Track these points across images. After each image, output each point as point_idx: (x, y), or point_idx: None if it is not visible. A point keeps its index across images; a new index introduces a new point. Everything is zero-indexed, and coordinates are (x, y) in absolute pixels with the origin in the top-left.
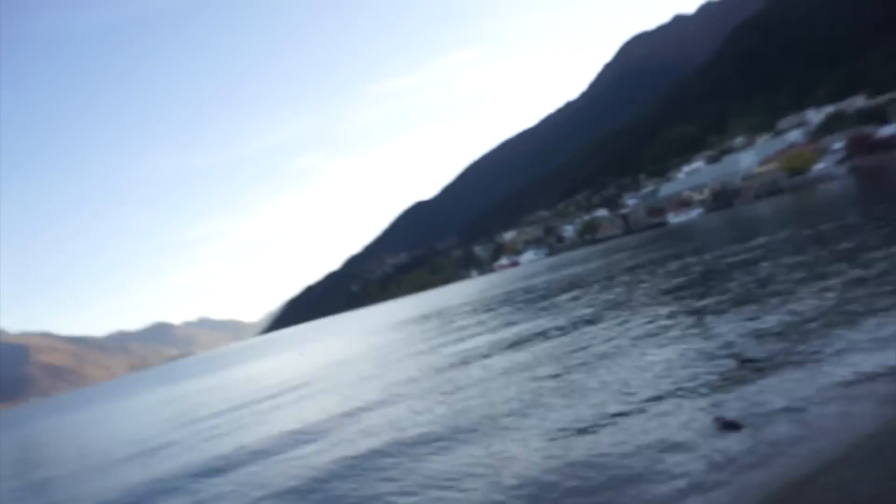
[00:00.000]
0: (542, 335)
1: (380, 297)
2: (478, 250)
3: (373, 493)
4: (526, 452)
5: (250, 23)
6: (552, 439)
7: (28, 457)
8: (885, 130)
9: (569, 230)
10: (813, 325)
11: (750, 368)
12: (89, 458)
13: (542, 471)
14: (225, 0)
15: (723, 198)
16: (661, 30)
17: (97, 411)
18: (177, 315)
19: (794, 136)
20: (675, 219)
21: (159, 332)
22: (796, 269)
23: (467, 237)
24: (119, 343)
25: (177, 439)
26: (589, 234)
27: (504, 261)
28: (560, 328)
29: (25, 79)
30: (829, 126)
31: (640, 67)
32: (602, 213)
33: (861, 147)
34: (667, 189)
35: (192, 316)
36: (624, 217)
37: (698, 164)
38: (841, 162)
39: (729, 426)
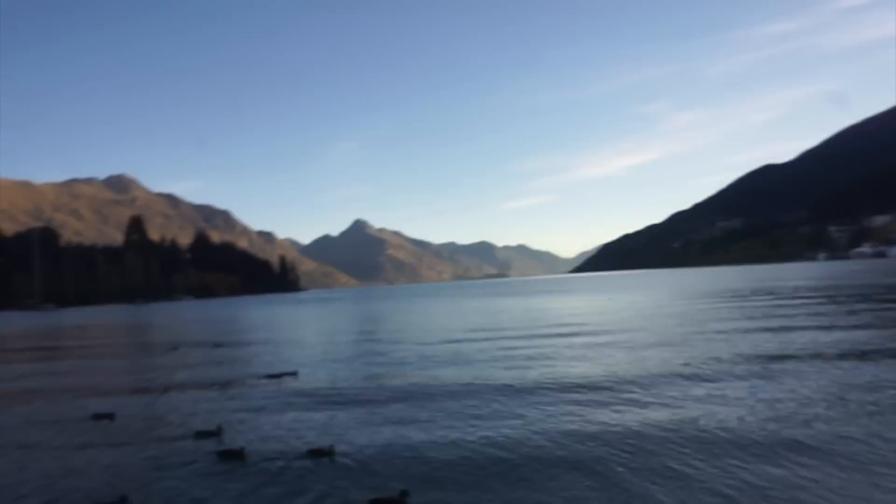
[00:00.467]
0: None
1: (701, 260)
2: (832, 231)
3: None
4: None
5: None
6: None
7: (409, 320)
8: None
9: None
10: None
11: None
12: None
13: None
14: None
15: None
16: None
17: (437, 303)
18: (500, 238)
19: None
20: None
21: (483, 251)
22: None
23: (821, 214)
24: (449, 252)
25: (484, 350)
26: None
27: (866, 248)
28: None
29: None
30: None
31: None
32: None
33: None
34: None
35: (513, 241)
36: None
37: None
38: None
39: None
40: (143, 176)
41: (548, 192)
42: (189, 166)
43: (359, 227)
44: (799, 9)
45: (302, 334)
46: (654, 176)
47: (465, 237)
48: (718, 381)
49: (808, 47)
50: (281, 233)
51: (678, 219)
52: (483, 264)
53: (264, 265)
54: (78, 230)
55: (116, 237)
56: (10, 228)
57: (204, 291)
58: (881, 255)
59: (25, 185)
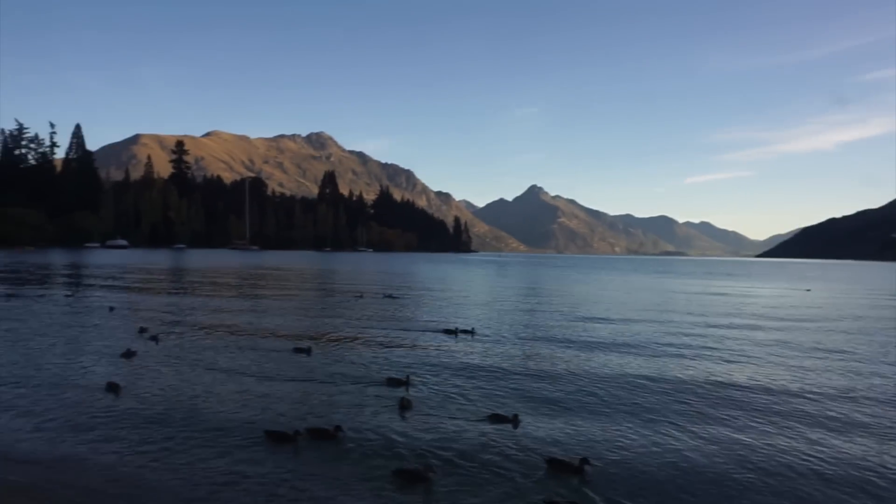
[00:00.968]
0: None
1: None
2: None
3: None
4: None
5: None
6: None
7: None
8: None
9: None
10: None
11: None
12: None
13: None
14: None
15: None
16: None
17: (624, 277)
18: (681, 213)
19: None
20: None
21: (661, 225)
22: None
23: None
24: (624, 225)
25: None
26: None
27: None
28: None
29: None
30: None
31: None
32: None
33: None
34: None
35: (695, 218)
36: None
37: None
38: None
39: None
40: (338, 134)
41: (740, 167)
42: (379, 126)
43: (533, 193)
44: None
45: (475, 294)
46: (874, 154)
47: (642, 210)
48: None
49: None
50: (457, 194)
51: None
52: (660, 240)
53: (440, 225)
54: (281, 181)
55: (312, 189)
56: (228, 177)
57: (383, 245)
58: None
59: (243, 139)
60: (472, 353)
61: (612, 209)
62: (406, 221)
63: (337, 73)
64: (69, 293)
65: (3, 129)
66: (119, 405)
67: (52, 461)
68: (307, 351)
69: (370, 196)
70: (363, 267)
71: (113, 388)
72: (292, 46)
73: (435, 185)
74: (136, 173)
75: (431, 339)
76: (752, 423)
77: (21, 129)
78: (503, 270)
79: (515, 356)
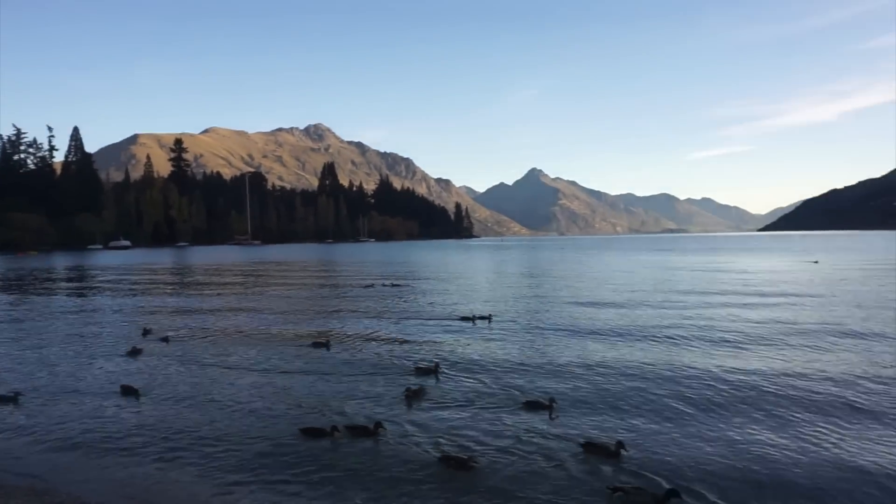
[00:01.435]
0: None
1: None
2: None
3: None
4: None
5: None
6: None
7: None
8: None
9: None
10: None
11: None
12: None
13: None
14: None
15: None
16: None
17: (621, 258)
18: (682, 190)
19: None
20: None
21: (663, 203)
22: None
23: None
24: (626, 204)
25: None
26: None
27: None
28: None
29: None
30: None
31: None
32: None
33: None
34: None
35: (696, 194)
36: None
37: None
38: None
39: None
40: (336, 125)
41: (742, 141)
42: (376, 116)
43: (533, 176)
44: None
45: (482, 280)
46: (876, 123)
47: (643, 188)
48: None
49: None
50: (457, 180)
51: None
52: (661, 218)
53: (441, 211)
54: (280, 174)
55: (312, 182)
56: (227, 173)
57: (385, 234)
58: None
59: (241, 134)
60: (492, 339)
61: (613, 189)
62: (407, 210)
63: (333, 63)
64: (76, 296)
65: (1, 135)
66: (141, 409)
67: (69, 469)
68: (326, 345)
69: (370, 186)
70: (367, 257)
71: (130, 391)
72: (286, 39)
73: (434, 172)
74: (136, 173)
75: (449, 327)
76: (789, 413)
77: (19, 133)
78: (503, 254)
79: (536, 342)
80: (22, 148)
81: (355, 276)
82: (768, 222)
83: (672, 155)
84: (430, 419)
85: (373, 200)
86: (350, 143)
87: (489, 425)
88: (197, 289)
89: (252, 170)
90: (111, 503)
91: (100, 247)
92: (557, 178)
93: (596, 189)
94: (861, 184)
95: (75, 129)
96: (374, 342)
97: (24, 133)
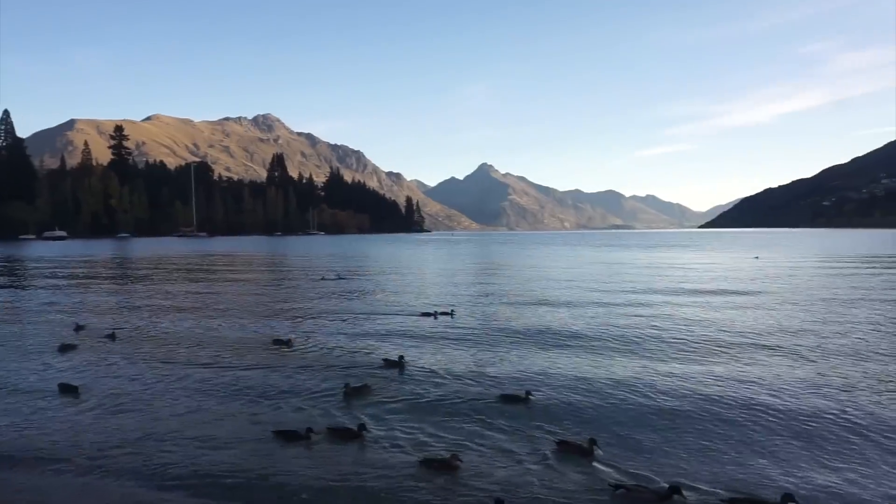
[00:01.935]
0: None
1: (855, 222)
2: None
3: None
4: None
5: None
6: None
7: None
8: None
9: None
10: None
11: None
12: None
13: None
14: None
15: None
16: None
17: (567, 252)
18: (628, 188)
19: None
20: None
21: (609, 200)
22: None
23: None
24: (574, 200)
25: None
26: None
27: None
28: None
29: None
30: None
31: None
32: None
33: None
34: None
35: (641, 192)
36: None
37: None
38: None
39: None
40: (286, 116)
41: (685, 141)
42: (327, 108)
43: (484, 170)
44: None
45: (438, 274)
46: (809, 125)
47: (591, 185)
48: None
49: None
50: (409, 174)
51: (832, 174)
52: (608, 214)
53: (392, 205)
54: (228, 165)
55: (260, 173)
56: (171, 162)
57: (335, 228)
58: None
59: (186, 123)
60: (456, 334)
61: (562, 185)
62: (358, 203)
63: (283, 52)
64: (3, 289)
65: None
66: (82, 406)
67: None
68: (287, 342)
69: (320, 178)
70: (318, 250)
71: (68, 389)
72: (235, 26)
73: (385, 166)
74: (73, 160)
75: (411, 323)
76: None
77: None
78: (455, 249)
79: (498, 336)
80: None
81: (308, 269)
82: (708, 219)
83: (618, 152)
84: (403, 417)
85: (323, 193)
86: (300, 134)
87: (466, 422)
88: (141, 282)
89: (198, 159)
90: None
91: (32, 237)
92: (507, 174)
93: (545, 185)
94: (793, 183)
95: (6, 113)
96: (337, 338)
97: None
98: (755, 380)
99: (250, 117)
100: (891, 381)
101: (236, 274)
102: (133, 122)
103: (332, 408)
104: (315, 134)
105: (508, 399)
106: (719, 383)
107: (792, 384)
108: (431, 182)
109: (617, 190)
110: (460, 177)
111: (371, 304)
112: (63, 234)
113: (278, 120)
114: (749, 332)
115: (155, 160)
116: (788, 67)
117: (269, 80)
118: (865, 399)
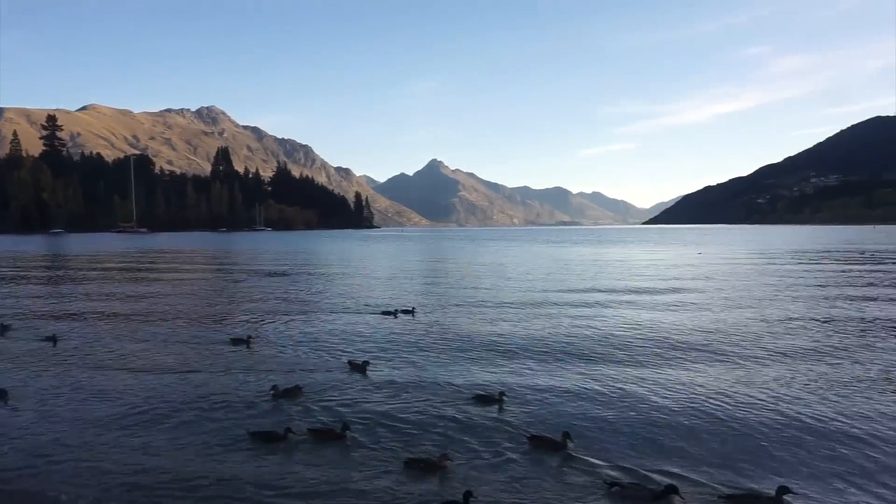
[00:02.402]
0: None
1: (787, 218)
2: None
3: None
4: None
5: None
6: None
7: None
8: None
9: None
10: None
11: None
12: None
13: None
14: None
15: None
16: None
17: (510, 248)
18: (575, 185)
19: None
20: None
21: (556, 196)
22: None
23: None
24: (522, 197)
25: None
26: None
27: None
28: None
29: None
30: None
31: None
32: None
33: None
34: None
35: (588, 189)
36: None
37: None
38: None
39: None
40: (231, 108)
41: (629, 140)
42: (274, 101)
43: (434, 167)
44: None
45: (392, 271)
46: (746, 126)
47: (539, 182)
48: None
49: None
50: (358, 170)
51: (766, 173)
52: (555, 211)
53: (341, 201)
54: (170, 158)
55: (204, 167)
56: (110, 155)
57: (283, 224)
58: None
59: (125, 114)
60: (419, 333)
61: (511, 181)
62: (306, 198)
63: (228, 43)
64: None
65: None
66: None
67: None
68: (246, 341)
69: (267, 173)
70: (265, 247)
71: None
72: (178, 15)
73: (334, 161)
74: (1, 151)
75: (372, 322)
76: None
77: None
78: (407, 245)
79: (462, 334)
80: None
81: (257, 266)
82: (652, 216)
83: (565, 151)
84: (379, 418)
85: (270, 188)
86: (246, 127)
87: (441, 422)
88: (77, 281)
89: (138, 152)
90: None
91: None
92: (457, 170)
93: (494, 181)
94: (731, 181)
95: None
96: (297, 337)
97: None
98: (730, 379)
99: (194, 109)
100: (836, 375)
101: (182, 272)
102: (67, 112)
103: (292, 410)
104: (261, 128)
105: (482, 399)
106: (684, 380)
107: (738, 378)
108: (381, 178)
109: (564, 187)
110: (410, 173)
111: (329, 303)
112: None
113: (223, 112)
114: (702, 328)
115: (91, 152)
116: (727, 70)
117: (213, 71)
118: (802, 390)
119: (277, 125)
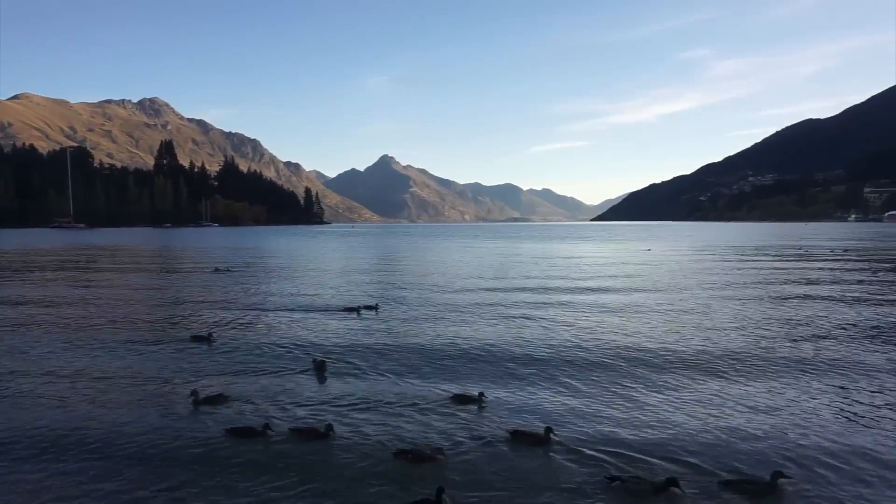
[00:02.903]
0: None
1: (727, 216)
2: (868, 192)
3: None
4: None
5: None
6: None
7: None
8: None
9: None
10: None
11: None
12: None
13: None
14: None
15: None
16: None
17: (468, 245)
18: (525, 181)
19: None
20: None
21: (507, 193)
22: None
23: (858, 174)
24: (473, 193)
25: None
26: None
27: None
28: None
29: None
30: None
31: None
32: None
33: None
34: None
35: (538, 185)
36: None
37: None
38: None
39: None
40: (175, 100)
41: (578, 137)
42: (221, 94)
43: (385, 162)
44: None
45: (344, 268)
46: (689, 126)
47: (490, 178)
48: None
49: None
50: (308, 165)
51: (708, 171)
52: (506, 207)
53: (290, 196)
54: (110, 151)
55: (147, 160)
56: (44, 147)
57: (230, 219)
58: None
59: (61, 104)
60: (384, 330)
61: (462, 178)
62: (254, 194)
63: (174, 33)
64: None
65: None
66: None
67: None
68: (208, 339)
69: (214, 167)
70: (214, 243)
71: None
72: (119, 2)
73: (284, 156)
74: None
75: (334, 319)
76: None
77: None
78: (359, 241)
79: (428, 330)
80: None
81: (207, 262)
82: (600, 212)
83: (517, 148)
84: (362, 418)
85: (216, 183)
86: (191, 120)
87: (421, 423)
88: (11, 279)
89: (75, 144)
90: None
91: None
92: (409, 166)
93: (445, 178)
94: (675, 179)
95: None
96: (259, 335)
97: None
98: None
99: (136, 100)
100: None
101: (126, 271)
102: None
103: (267, 406)
104: (208, 121)
105: (461, 399)
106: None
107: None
108: (332, 173)
109: (515, 184)
110: (361, 168)
111: (289, 300)
112: None
113: (167, 104)
114: (660, 322)
115: (24, 143)
116: (670, 72)
117: (156, 61)
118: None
119: (225, 118)
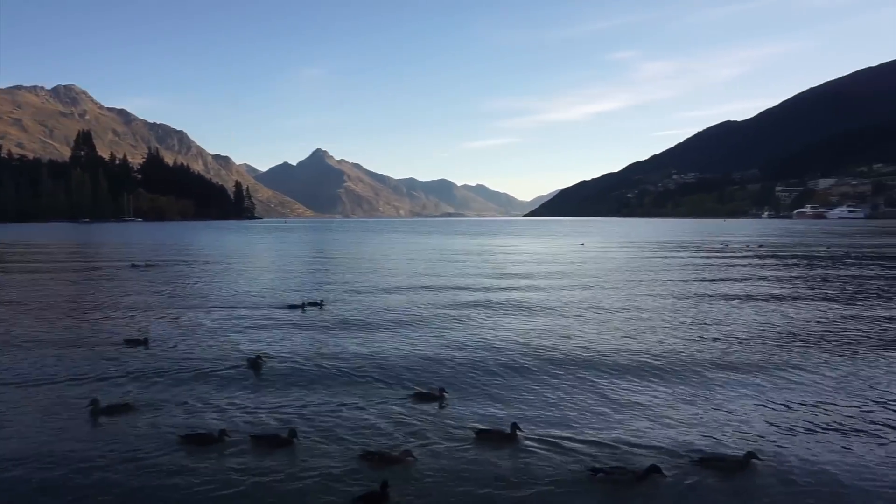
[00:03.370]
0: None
1: (653, 212)
2: (779, 190)
3: None
4: None
5: None
6: None
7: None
8: None
9: None
10: None
11: None
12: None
13: None
14: None
15: None
16: None
17: (403, 238)
18: (459, 177)
19: None
20: None
21: (441, 188)
22: None
23: (771, 173)
24: (408, 188)
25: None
26: None
27: (807, 209)
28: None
29: None
30: None
31: None
32: None
33: None
34: None
35: (472, 181)
36: None
37: None
38: None
39: None
40: (94, 88)
41: (510, 134)
42: (145, 82)
43: (318, 157)
44: None
45: (282, 263)
46: (617, 125)
47: (424, 174)
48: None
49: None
50: (238, 158)
51: (635, 169)
52: (441, 202)
53: (219, 190)
54: (20, 141)
55: (63, 152)
56: None
57: (154, 214)
58: (821, 216)
59: None
60: (330, 327)
61: (396, 173)
62: (180, 187)
63: (92, 16)
64: None
65: None
66: None
67: None
68: (144, 342)
69: (136, 159)
70: (138, 239)
71: None
72: None
73: (212, 148)
74: None
75: (278, 316)
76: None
77: None
78: (290, 236)
79: (374, 327)
80: None
81: (131, 259)
82: (532, 208)
83: (450, 143)
84: (314, 422)
85: (140, 176)
86: (111, 109)
87: (390, 422)
88: None
89: None
90: None
91: None
92: (343, 161)
93: (380, 173)
94: (604, 177)
95: None
96: (197, 336)
97: None
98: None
99: (49, 87)
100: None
101: (41, 271)
102: None
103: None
104: (130, 110)
105: (422, 397)
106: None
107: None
108: (263, 167)
109: (449, 179)
110: (293, 162)
111: (227, 297)
112: None
113: (84, 92)
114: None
115: None
116: (600, 72)
117: (73, 45)
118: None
119: (148, 108)
